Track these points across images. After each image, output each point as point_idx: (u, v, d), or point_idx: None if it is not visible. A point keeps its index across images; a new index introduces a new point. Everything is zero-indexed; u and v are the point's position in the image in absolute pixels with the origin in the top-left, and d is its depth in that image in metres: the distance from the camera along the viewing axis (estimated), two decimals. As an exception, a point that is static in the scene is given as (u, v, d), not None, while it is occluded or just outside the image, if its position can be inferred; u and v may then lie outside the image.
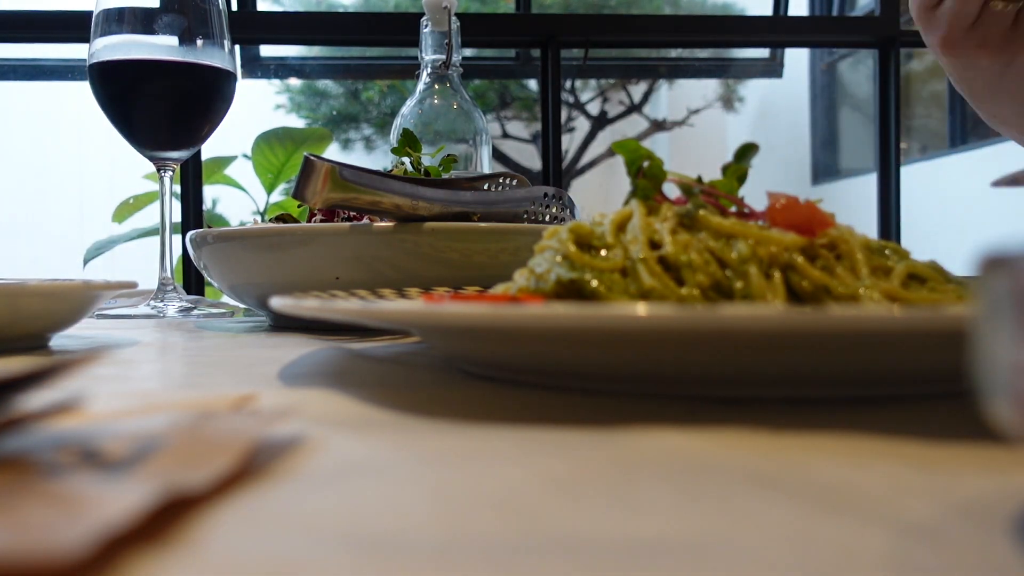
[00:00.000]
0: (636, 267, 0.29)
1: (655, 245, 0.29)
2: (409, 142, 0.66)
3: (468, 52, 0.92)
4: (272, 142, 2.03)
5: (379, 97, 4.73)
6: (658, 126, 5.24)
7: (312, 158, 0.53)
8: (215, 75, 0.73)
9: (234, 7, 1.74)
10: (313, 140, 2.10)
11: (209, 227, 0.69)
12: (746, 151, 0.34)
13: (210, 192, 2.27)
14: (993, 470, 0.18)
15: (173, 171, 0.75)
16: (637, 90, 5.06)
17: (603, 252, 0.30)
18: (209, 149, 1.98)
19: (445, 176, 0.66)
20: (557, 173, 1.81)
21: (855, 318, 0.21)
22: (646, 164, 0.33)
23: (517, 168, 4.67)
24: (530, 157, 4.81)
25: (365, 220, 0.56)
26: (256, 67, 2.10)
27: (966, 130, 4.74)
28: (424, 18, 0.86)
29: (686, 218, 0.30)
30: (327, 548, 0.13)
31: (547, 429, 0.22)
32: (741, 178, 0.34)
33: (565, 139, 4.68)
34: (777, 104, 6.03)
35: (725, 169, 0.34)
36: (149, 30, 0.70)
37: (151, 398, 0.29)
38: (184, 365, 0.40)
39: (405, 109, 0.87)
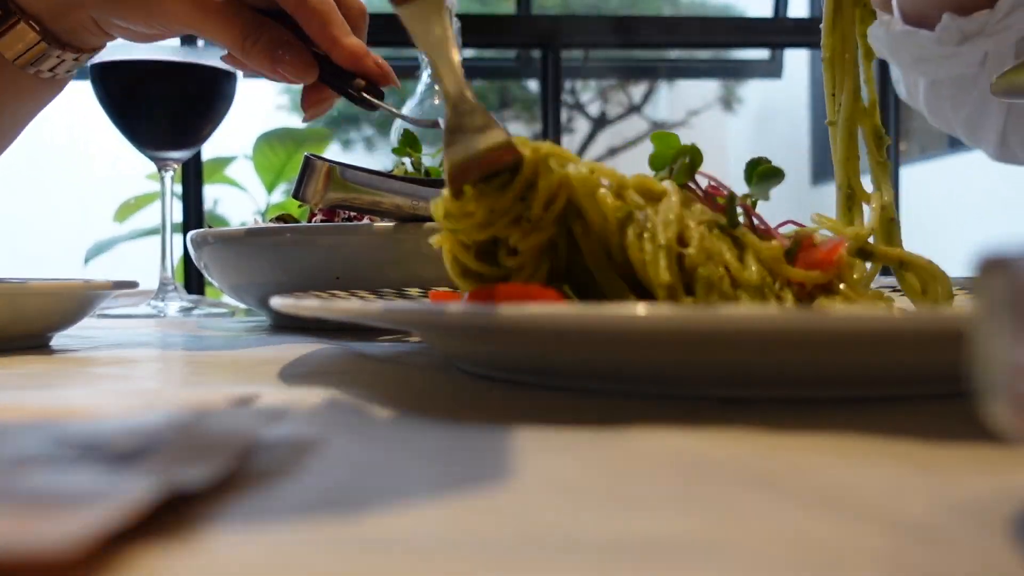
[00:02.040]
0: (657, 255, 0.28)
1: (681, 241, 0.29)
2: (410, 142, 0.66)
3: (469, 53, 0.92)
4: (273, 142, 2.03)
5: (380, 97, 4.73)
6: (658, 127, 5.24)
7: (312, 158, 0.53)
8: (216, 75, 0.73)
9: (235, 7, 1.74)
10: (313, 140, 2.10)
11: (210, 227, 0.69)
12: (769, 175, 0.34)
13: (211, 192, 2.27)
14: (992, 470, 0.18)
15: (174, 171, 0.75)
16: (637, 91, 5.06)
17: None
18: (210, 149, 1.98)
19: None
20: (557, 174, 1.81)
21: (855, 318, 0.21)
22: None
23: (517, 168, 4.65)
24: (530, 158, 4.80)
25: (365, 220, 0.56)
26: (257, 67, 2.09)
27: (966, 131, 4.73)
28: (425, 19, 0.86)
29: (723, 228, 0.29)
30: (327, 548, 0.13)
31: (547, 429, 0.22)
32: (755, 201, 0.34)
33: (565, 140, 4.68)
34: (777, 105, 6.02)
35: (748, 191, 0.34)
36: (150, 30, 0.70)
37: (152, 397, 0.30)
38: (184, 365, 0.40)
39: (406, 109, 0.87)
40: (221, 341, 0.50)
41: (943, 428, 0.22)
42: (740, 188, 0.34)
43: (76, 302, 0.46)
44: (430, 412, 0.25)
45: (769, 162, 0.33)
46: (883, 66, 1.81)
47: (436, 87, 0.87)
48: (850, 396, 0.26)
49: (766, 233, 0.31)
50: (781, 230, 0.33)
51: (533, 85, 4.65)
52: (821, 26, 0.40)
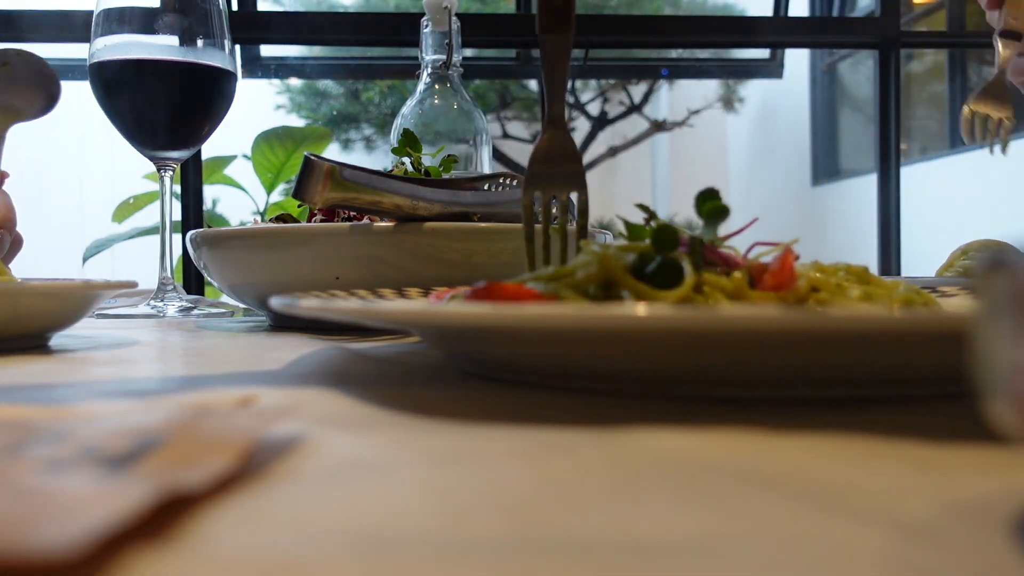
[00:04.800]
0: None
1: None
2: (409, 142, 0.66)
3: (468, 52, 0.92)
4: (272, 141, 2.03)
5: (379, 97, 4.73)
6: (658, 126, 5.24)
7: (312, 158, 0.53)
8: (215, 75, 0.73)
9: (234, 7, 1.74)
10: (313, 139, 2.10)
11: (209, 227, 0.69)
12: (717, 213, 0.32)
13: (210, 192, 2.27)
14: (992, 470, 0.18)
15: (173, 171, 0.75)
16: (637, 90, 5.06)
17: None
18: (209, 149, 1.98)
19: (445, 176, 0.66)
20: (557, 173, 1.80)
21: (855, 318, 0.21)
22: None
23: (517, 168, 4.67)
24: (530, 157, 4.80)
25: (365, 220, 0.56)
26: (256, 67, 2.10)
27: (966, 131, 4.73)
28: (424, 18, 0.86)
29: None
30: (327, 548, 0.13)
31: (547, 429, 0.22)
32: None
33: (565, 139, 4.67)
34: (777, 105, 6.03)
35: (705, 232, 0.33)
36: (150, 30, 0.70)
37: (151, 398, 0.30)
38: (184, 365, 0.40)
39: (405, 109, 0.87)
40: (220, 341, 0.50)
41: (943, 428, 0.22)
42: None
43: (75, 302, 0.46)
44: (430, 412, 0.25)
45: (718, 196, 0.32)
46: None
47: (436, 87, 0.87)
48: (850, 396, 0.26)
49: (733, 264, 0.30)
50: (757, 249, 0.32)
51: (533, 85, 4.65)
52: None
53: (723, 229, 0.32)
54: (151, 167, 0.75)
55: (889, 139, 1.86)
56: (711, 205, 0.32)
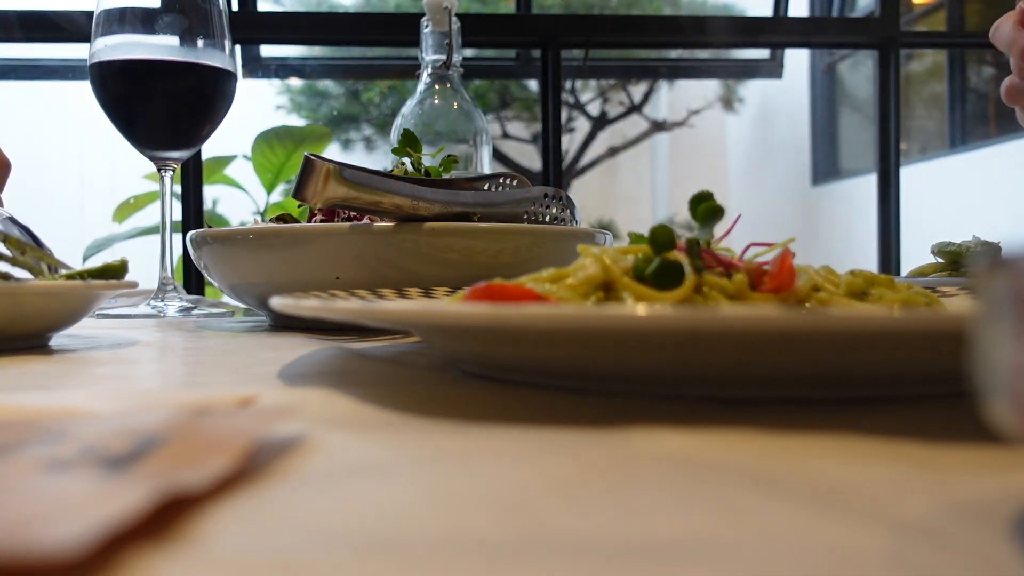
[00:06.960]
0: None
1: None
2: (410, 142, 0.66)
3: (468, 52, 0.92)
4: (272, 141, 2.03)
5: (380, 98, 4.74)
6: (658, 127, 5.24)
7: (312, 158, 0.53)
8: (216, 75, 0.73)
9: (235, 7, 1.74)
10: (313, 139, 2.10)
11: (209, 227, 0.69)
12: (712, 213, 0.32)
13: (210, 192, 2.27)
14: (993, 470, 0.18)
15: (174, 171, 0.75)
16: (637, 90, 5.07)
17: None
18: (209, 149, 1.99)
19: (445, 176, 0.66)
20: (557, 173, 1.81)
21: (855, 318, 0.21)
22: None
23: (517, 168, 4.67)
24: (530, 157, 4.81)
25: (365, 220, 0.56)
26: (257, 67, 2.10)
27: (966, 131, 4.74)
28: (425, 18, 0.86)
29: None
30: (327, 548, 0.13)
31: (547, 429, 0.22)
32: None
33: (565, 139, 4.69)
34: (777, 105, 6.03)
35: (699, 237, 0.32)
36: (150, 30, 0.70)
37: (151, 398, 0.30)
38: (184, 365, 0.40)
39: (406, 109, 0.87)
40: (221, 341, 0.50)
41: (943, 428, 0.22)
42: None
43: (76, 302, 0.46)
44: (430, 412, 0.25)
45: (711, 197, 0.32)
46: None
47: (437, 87, 0.87)
48: (850, 396, 0.26)
49: (729, 266, 0.30)
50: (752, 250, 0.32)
51: (533, 85, 4.66)
52: None
53: (719, 230, 0.33)
54: (151, 167, 0.75)
55: (889, 139, 1.87)
56: (705, 206, 0.32)
